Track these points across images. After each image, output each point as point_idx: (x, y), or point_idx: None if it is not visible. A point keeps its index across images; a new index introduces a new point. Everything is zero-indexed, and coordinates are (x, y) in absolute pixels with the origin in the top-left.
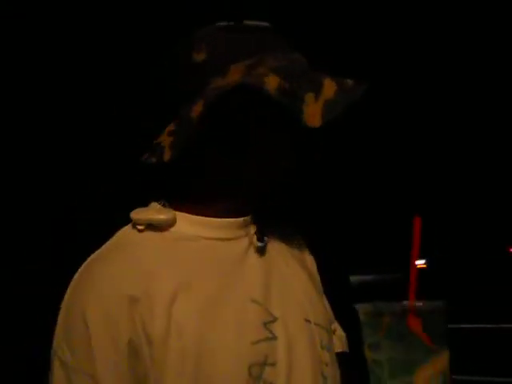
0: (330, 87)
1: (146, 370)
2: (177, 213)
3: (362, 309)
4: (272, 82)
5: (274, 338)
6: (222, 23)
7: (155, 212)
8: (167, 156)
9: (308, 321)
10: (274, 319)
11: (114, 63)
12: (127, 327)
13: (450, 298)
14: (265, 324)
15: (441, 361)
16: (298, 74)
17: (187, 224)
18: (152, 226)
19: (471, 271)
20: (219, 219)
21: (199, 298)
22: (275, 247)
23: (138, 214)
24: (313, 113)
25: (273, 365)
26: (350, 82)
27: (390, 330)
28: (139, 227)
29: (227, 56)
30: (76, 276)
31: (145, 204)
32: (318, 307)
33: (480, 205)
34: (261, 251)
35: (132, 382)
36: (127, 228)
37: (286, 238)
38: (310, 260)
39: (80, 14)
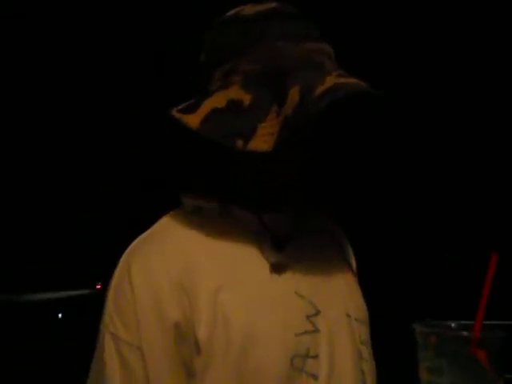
0: (292, 99)
1: (192, 356)
2: (224, 203)
3: (420, 329)
4: (208, 105)
5: (317, 330)
6: (227, 14)
7: (203, 199)
8: None
9: (349, 315)
10: (317, 312)
11: (114, 63)
12: (174, 310)
13: None
14: (308, 317)
15: None
16: (271, 80)
17: (234, 215)
18: (200, 212)
19: None
20: (264, 214)
21: (244, 288)
22: (317, 241)
23: (187, 198)
24: (270, 131)
25: (315, 357)
26: (321, 90)
27: (455, 356)
28: (188, 209)
29: (213, 59)
30: (126, 252)
31: (149, 204)
32: (358, 302)
33: None
34: (302, 245)
35: (178, 362)
36: (176, 211)
37: (328, 233)
38: (350, 254)
39: (80, 13)
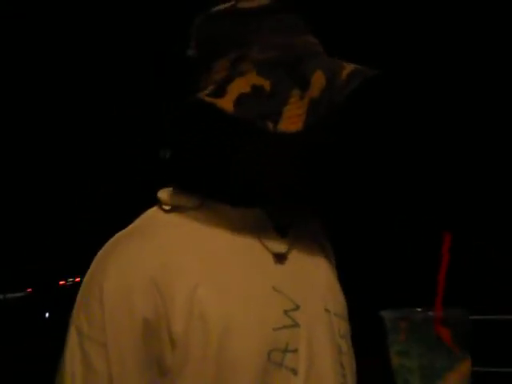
0: (318, 82)
1: (165, 352)
2: (203, 199)
3: (389, 316)
4: (234, 90)
5: (296, 325)
6: (215, 9)
7: (182, 195)
8: (165, 152)
9: (328, 310)
10: (297, 307)
11: (114, 63)
12: (144, 306)
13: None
14: (286, 312)
15: (464, 367)
16: (287, 66)
17: (212, 210)
18: (178, 208)
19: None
20: (242, 209)
21: (222, 284)
22: (297, 237)
23: (165, 195)
24: (296, 113)
25: (294, 351)
26: (346, 73)
27: (423, 337)
28: (165, 208)
29: (212, 51)
30: (101, 250)
31: (149, 203)
32: (337, 297)
33: None
34: (283, 242)
35: (146, 360)
36: (154, 208)
37: (308, 228)
38: (330, 251)
39: (81, 13)
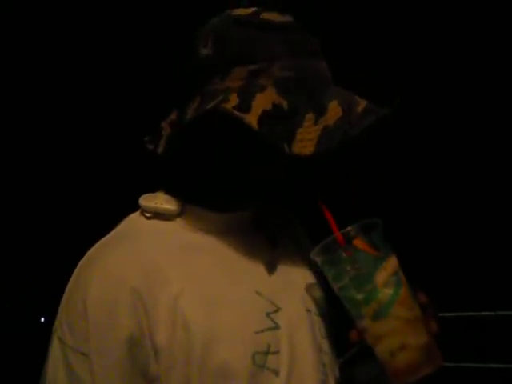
0: (334, 111)
1: (149, 362)
2: (184, 204)
3: (315, 253)
4: (258, 106)
5: (277, 327)
6: (236, 12)
7: (163, 201)
8: (161, 148)
9: (309, 311)
10: (277, 309)
11: (113, 61)
12: (127, 318)
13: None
14: (268, 314)
15: (390, 264)
16: (303, 89)
17: (194, 216)
18: (159, 215)
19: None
20: (225, 214)
21: (204, 289)
22: (282, 243)
23: (146, 201)
24: (307, 137)
25: (276, 353)
26: (361, 108)
27: (334, 260)
28: (147, 215)
29: (232, 55)
30: (83, 259)
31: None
32: (319, 298)
33: None
34: (265, 245)
35: (131, 371)
36: (135, 214)
37: (288, 230)
38: (308, 252)
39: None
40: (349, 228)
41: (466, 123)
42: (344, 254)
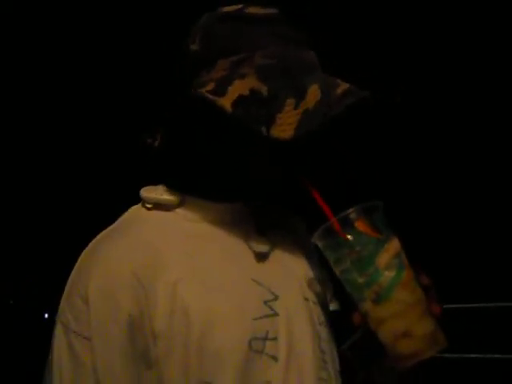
0: (313, 94)
1: (149, 346)
2: (184, 195)
3: (316, 237)
4: (234, 91)
5: (276, 314)
6: (223, 9)
7: (163, 192)
8: (157, 142)
9: (306, 299)
10: (276, 297)
11: (113, 59)
12: (127, 302)
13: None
14: (265, 302)
15: (392, 246)
16: (285, 75)
17: (193, 206)
18: (160, 206)
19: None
20: (223, 204)
21: (202, 276)
22: (279, 235)
23: (146, 193)
24: (287, 121)
25: (274, 339)
26: (341, 90)
27: (334, 244)
28: (147, 205)
29: (217, 49)
30: (86, 248)
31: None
32: (315, 286)
33: None
34: (262, 236)
35: (132, 354)
36: (137, 206)
37: (290, 227)
38: (309, 242)
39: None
40: (350, 210)
41: (468, 113)
42: (345, 237)
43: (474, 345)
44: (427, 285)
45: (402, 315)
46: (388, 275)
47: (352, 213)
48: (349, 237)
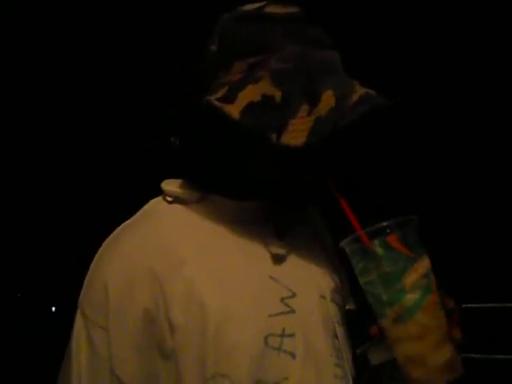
0: (327, 101)
1: (165, 338)
2: (205, 192)
3: (345, 243)
4: (244, 97)
5: (292, 311)
6: (242, 9)
7: (184, 186)
8: (178, 140)
9: (324, 297)
10: (293, 295)
11: (114, 59)
12: (144, 296)
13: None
14: (282, 299)
15: (422, 265)
16: (301, 78)
17: (212, 203)
18: (180, 200)
19: None
20: (239, 202)
21: (219, 272)
22: (297, 237)
23: (168, 186)
24: (300, 128)
25: (291, 336)
26: (356, 97)
27: (373, 251)
28: (168, 199)
29: (234, 50)
30: (107, 239)
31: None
32: (333, 285)
33: None
34: (280, 240)
35: (147, 345)
36: (158, 198)
37: (309, 227)
38: (328, 240)
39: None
40: (384, 223)
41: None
42: (376, 249)
43: (482, 345)
44: (451, 308)
45: (420, 339)
46: (413, 297)
47: (386, 226)
48: (379, 250)
